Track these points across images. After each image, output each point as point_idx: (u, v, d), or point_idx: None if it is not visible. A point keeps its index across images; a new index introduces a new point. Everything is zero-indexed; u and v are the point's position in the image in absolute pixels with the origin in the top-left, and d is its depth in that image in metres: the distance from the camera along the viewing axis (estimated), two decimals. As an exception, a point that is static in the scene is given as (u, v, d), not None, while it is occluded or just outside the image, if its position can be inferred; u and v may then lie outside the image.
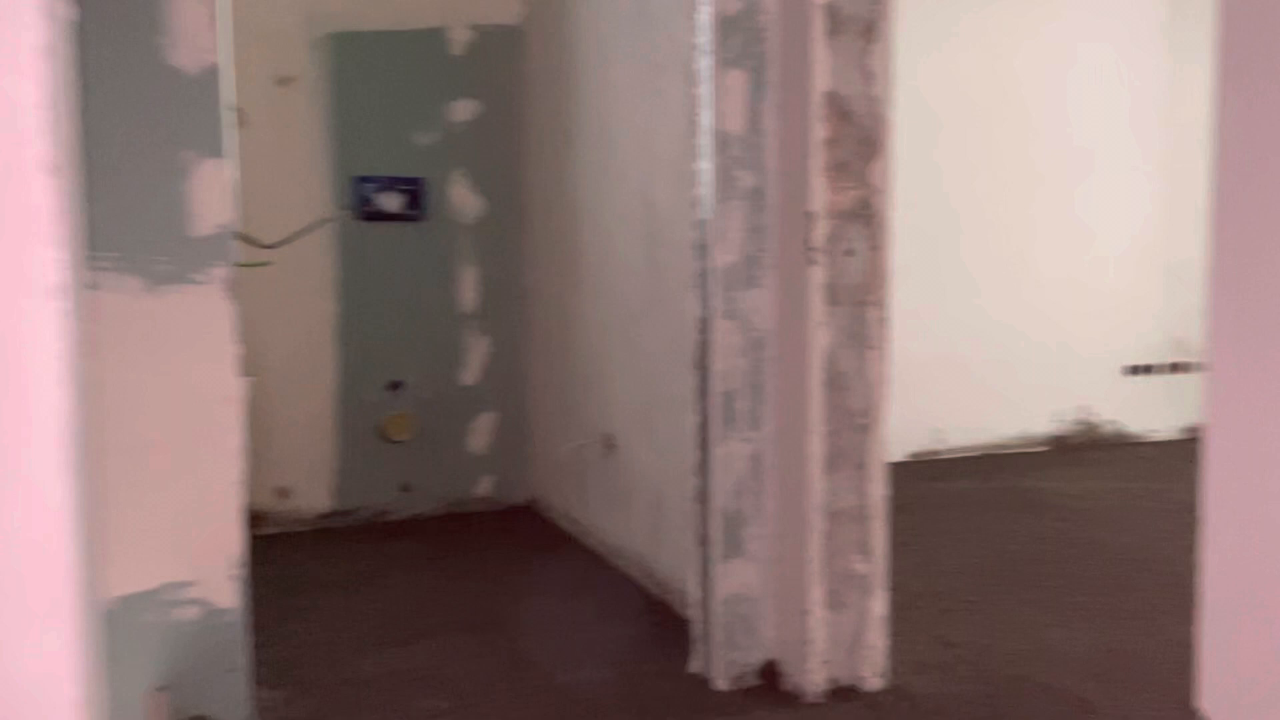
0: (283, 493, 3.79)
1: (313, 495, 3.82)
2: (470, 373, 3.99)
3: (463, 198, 3.92)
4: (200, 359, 1.95)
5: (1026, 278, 5.05)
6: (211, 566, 1.99)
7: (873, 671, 2.35)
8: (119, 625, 1.92)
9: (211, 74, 1.94)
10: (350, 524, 3.83)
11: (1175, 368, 5.32)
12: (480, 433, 4.02)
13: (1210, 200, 1.34)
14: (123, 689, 1.90)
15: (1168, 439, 5.21)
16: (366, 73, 3.78)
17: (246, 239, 2.86)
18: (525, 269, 4.02)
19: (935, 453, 4.97)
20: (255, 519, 3.75)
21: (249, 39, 3.54)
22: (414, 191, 3.83)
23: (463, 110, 3.89)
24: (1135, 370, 5.32)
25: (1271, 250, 1.26)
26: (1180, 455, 4.37)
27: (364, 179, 3.78)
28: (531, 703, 2.35)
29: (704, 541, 2.42)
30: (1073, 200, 5.09)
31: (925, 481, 4.48)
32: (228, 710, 2.02)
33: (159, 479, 1.94)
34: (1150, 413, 5.28)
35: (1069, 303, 5.14)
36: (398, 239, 3.85)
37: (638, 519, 3.14)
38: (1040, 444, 5.14)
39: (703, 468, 2.42)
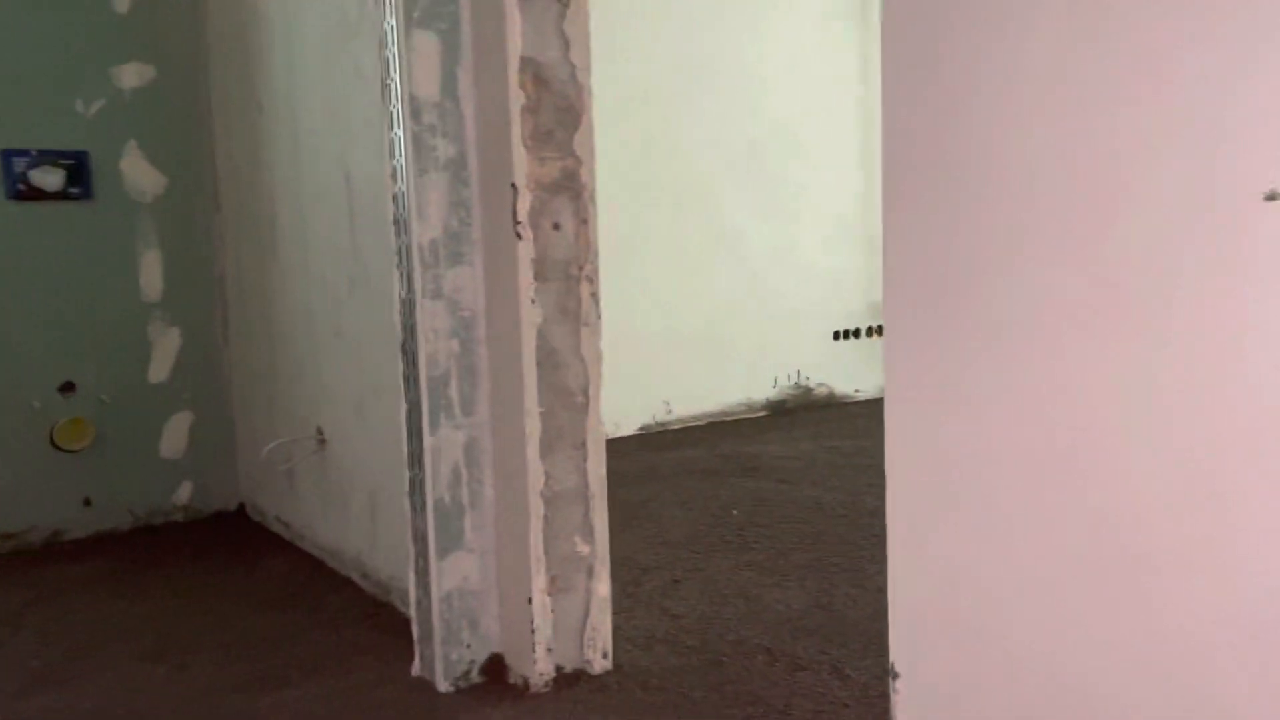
0: (-71, 519, 3.25)
1: (-31, 519, 3.31)
2: (158, 369, 3.59)
3: (139, 173, 3.50)
4: None
5: (742, 251, 5.22)
6: None
7: (599, 654, 2.30)
8: None
9: None
10: (18, 548, 3.35)
11: (876, 331, 5.71)
12: (175, 435, 3.63)
13: (881, 181, 1.36)
14: None
15: (872, 398, 5.58)
16: (12, 30, 3.28)
17: None
18: (218, 251, 3.66)
19: (664, 424, 5.05)
20: (-106, 553, 3.21)
21: None
22: (77, 166, 3.38)
23: (133, 74, 3.46)
24: (842, 335, 5.65)
25: (927, 235, 1.29)
26: (882, 413, 4.68)
27: (14, 153, 3.28)
28: (233, 734, 2.11)
29: (420, 537, 2.27)
30: (781, 175, 5.31)
31: (654, 452, 4.54)
32: None
33: None
34: (856, 374, 5.63)
35: (782, 274, 5.37)
36: (61, 221, 3.38)
37: (353, 517, 2.93)
38: (761, 409, 5.35)
39: (416, 459, 2.27)
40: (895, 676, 1.41)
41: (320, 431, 3.10)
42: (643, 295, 4.81)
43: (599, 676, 2.28)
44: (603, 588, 2.31)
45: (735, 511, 3.57)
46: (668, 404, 5.05)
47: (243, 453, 3.69)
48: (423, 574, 2.27)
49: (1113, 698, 1.14)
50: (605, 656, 2.31)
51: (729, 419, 5.24)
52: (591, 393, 2.27)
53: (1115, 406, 1.12)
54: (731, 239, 5.18)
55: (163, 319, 3.58)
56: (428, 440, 2.22)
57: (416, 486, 2.27)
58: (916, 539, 1.35)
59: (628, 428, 4.89)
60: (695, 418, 5.15)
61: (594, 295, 2.26)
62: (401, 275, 2.23)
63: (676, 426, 5.07)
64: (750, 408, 5.33)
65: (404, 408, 2.28)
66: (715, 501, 3.71)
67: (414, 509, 2.28)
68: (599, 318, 2.27)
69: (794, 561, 3.00)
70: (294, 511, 3.33)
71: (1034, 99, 1.16)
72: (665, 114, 4.89)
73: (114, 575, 3.10)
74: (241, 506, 3.73)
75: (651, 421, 5.01)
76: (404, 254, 2.22)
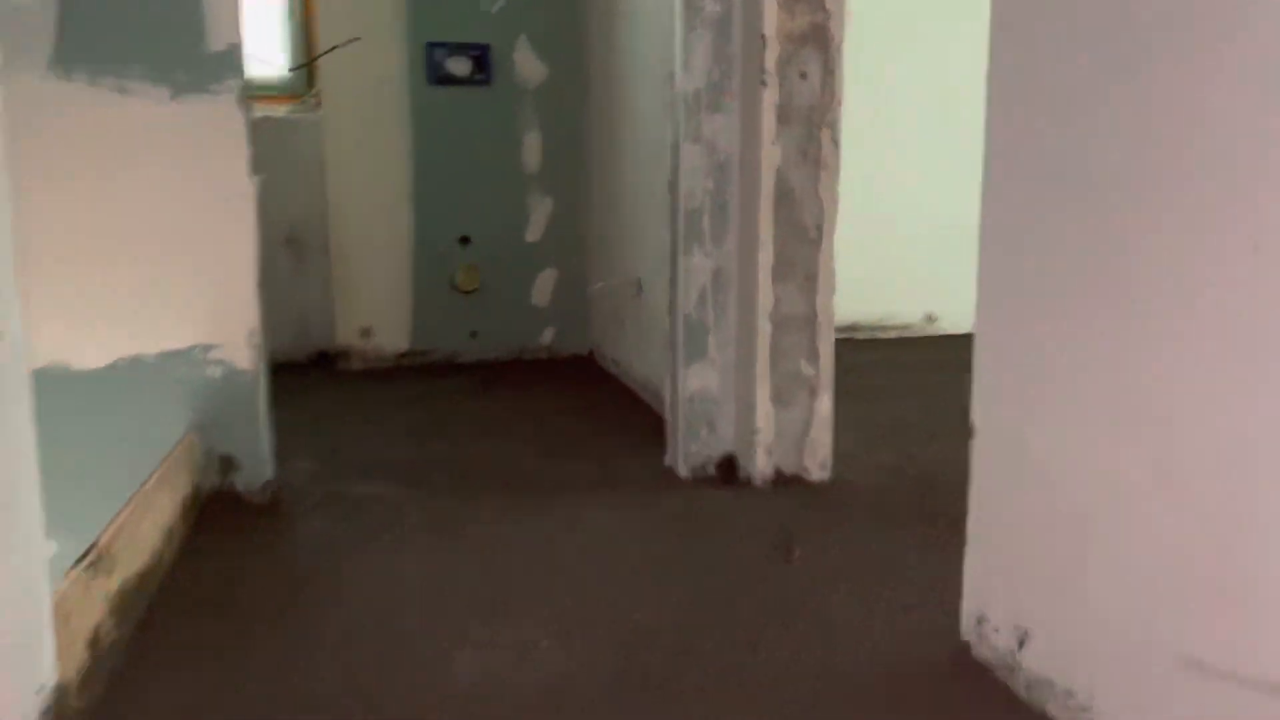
0: (366, 333, 4.25)
1: (393, 336, 4.27)
2: (533, 231, 4.32)
3: (527, 63, 4.20)
4: (217, 158, 2.33)
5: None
6: (233, 334, 2.41)
7: (817, 464, 2.57)
8: (159, 377, 2.36)
9: (225, -86, 2.28)
10: (425, 363, 4.27)
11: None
12: (542, 287, 4.36)
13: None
14: (161, 429, 2.35)
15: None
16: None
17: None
18: (585, 132, 4.28)
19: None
20: (343, 355, 4.25)
21: (330, -83, 3.92)
22: (481, 57, 4.14)
23: (528, -21, 4.15)
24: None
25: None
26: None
27: (435, 45, 4.11)
28: (521, 483, 2.69)
29: (672, 346, 2.68)
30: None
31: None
32: (249, 453, 2.45)
33: (188, 259, 2.36)
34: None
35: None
36: (466, 103, 4.18)
37: (655, 352, 3.41)
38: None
39: (673, 280, 2.66)
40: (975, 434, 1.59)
41: (639, 281, 3.60)
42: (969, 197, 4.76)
43: (814, 483, 2.56)
44: (824, 407, 2.56)
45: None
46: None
47: (594, 305, 4.33)
48: (673, 377, 2.68)
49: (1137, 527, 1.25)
50: (823, 468, 2.58)
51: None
52: (826, 229, 2.50)
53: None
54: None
55: (539, 189, 4.30)
56: (680, 263, 2.60)
57: (672, 304, 2.66)
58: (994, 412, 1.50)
59: (963, 326, 4.90)
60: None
61: (835, 141, 2.48)
62: (670, 122, 2.61)
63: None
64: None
65: (668, 238, 2.67)
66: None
67: (670, 323, 2.69)
68: (838, 162, 2.48)
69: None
70: (620, 351, 3.90)
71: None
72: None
73: (480, 387, 3.87)
74: (591, 352, 4.39)
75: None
76: (673, 103, 2.59)
